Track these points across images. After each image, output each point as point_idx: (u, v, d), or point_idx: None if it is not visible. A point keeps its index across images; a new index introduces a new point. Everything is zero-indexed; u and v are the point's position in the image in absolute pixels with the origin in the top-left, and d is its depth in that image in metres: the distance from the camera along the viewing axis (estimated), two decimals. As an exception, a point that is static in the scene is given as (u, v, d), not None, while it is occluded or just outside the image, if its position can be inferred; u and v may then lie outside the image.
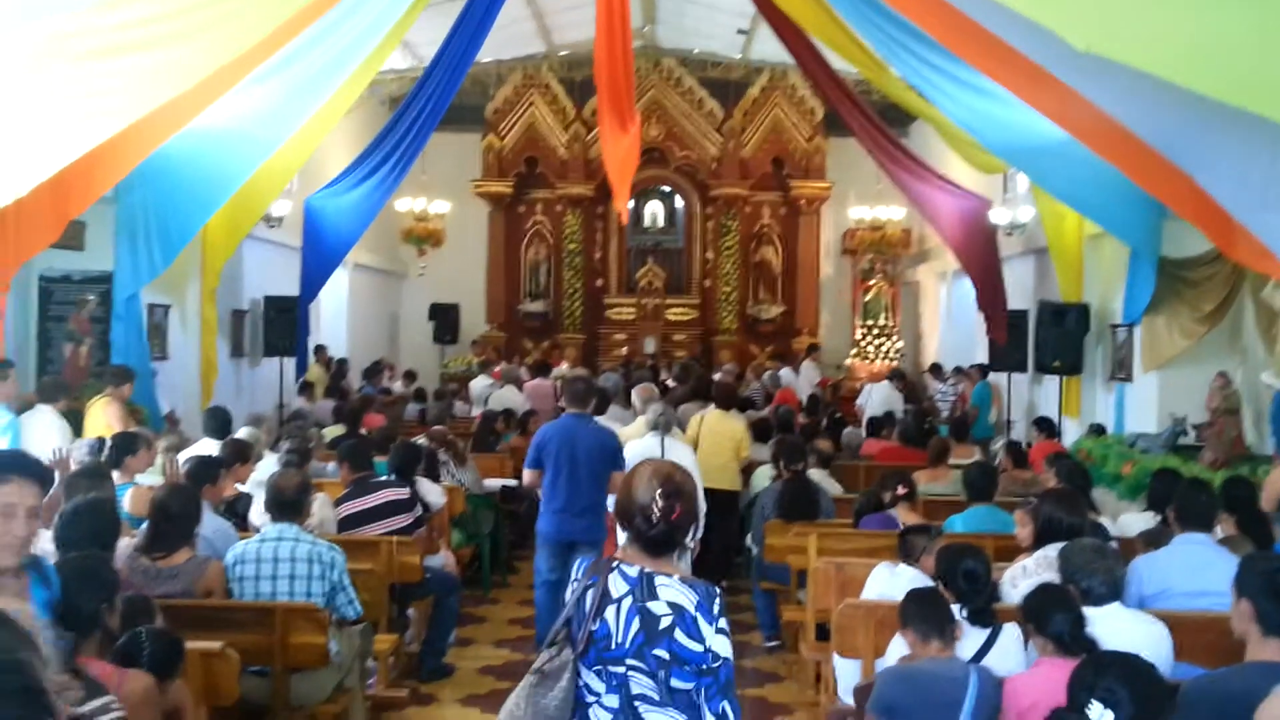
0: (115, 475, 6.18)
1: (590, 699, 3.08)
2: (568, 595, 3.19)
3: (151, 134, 6.41)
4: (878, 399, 14.06)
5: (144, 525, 5.22)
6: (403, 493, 6.92)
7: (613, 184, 12.69)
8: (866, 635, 4.88)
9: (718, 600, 3.06)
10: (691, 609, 3.01)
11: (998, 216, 13.30)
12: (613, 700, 3.05)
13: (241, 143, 8.89)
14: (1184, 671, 3.99)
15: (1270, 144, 5.28)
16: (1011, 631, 4.25)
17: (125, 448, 6.52)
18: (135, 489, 6.21)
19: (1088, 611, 3.92)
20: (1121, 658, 3.16)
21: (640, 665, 3.01)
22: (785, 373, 16.01)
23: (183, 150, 8.21)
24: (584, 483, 6.99)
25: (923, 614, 4.06)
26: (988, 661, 4.12)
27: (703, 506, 6.70)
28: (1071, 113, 6.48)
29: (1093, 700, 2.93)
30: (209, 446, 7.51)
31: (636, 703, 3.03)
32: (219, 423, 7.91)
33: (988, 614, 4.28)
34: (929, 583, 4.73)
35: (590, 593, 3.07)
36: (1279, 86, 4.52)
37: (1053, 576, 4.53)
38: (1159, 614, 4.36)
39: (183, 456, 7.60)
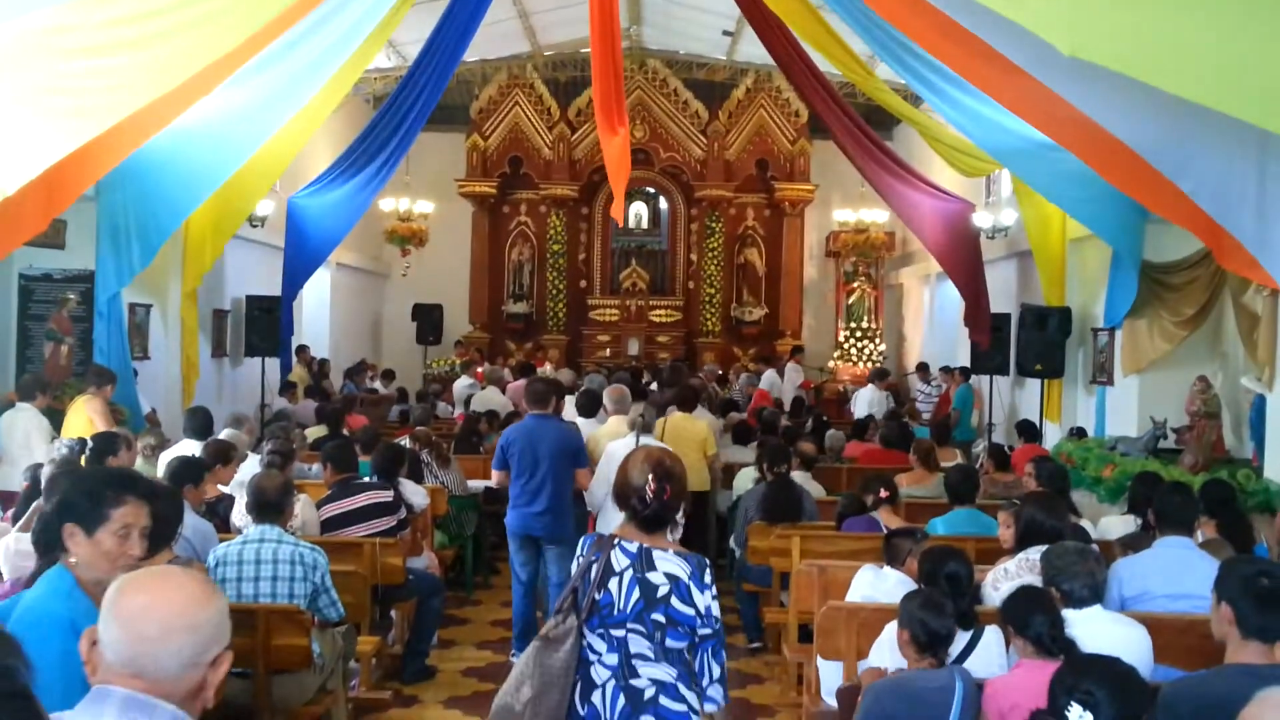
0: (95, 476, 6.15)
1: (593, 658, 3.48)
2: (573, 569, 3.61)
3: (135, 132, 6.36)
4: (864, 402, 14.12)
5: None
6: (386, 494, 6.91)
7: (612, 185, 12.81)
8: (849, 637, 4.89)
9: (708, 569, 3.51)
10: (685, 578, 3.45)
11: (980, 220, 13.35)
12: (612, 659, 3.46)
13: (224, 141, 8.84)
14: (1164, 674, 4.02)
15: (1254, 149, 5.32)
16: (993, 633, 4.26)
17: (106, 448, 6.49)
18: (116, 489, 6.17)
19: (1068, 614, 3.94)
20: (1101, 660, 3.17)
21: (639, 628, 3.44)
22: (769, 375, 16.08)
23: (165, 148, 8.15)
24: (546, 481, 7.17)
25: (925, 626, 4.01)
26: (970, 663, 4.13)
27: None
28: (1055, 117, 6.50)
29: (1072, 703, 2.94)
30: (190, 447, 7.48)
31: (634, 660, 3.44)
32: (201, 423, 7.88)
33: (970, 616, 4.30)
34: (913, 586, 4.75)
35: (594, 567, 3.49)
36: (1264, 91, 4.54)
37: (1034, 579, 4.55)
38: (1139, 616, 4.38)
39: (164, 456, 7.58)
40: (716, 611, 3.48)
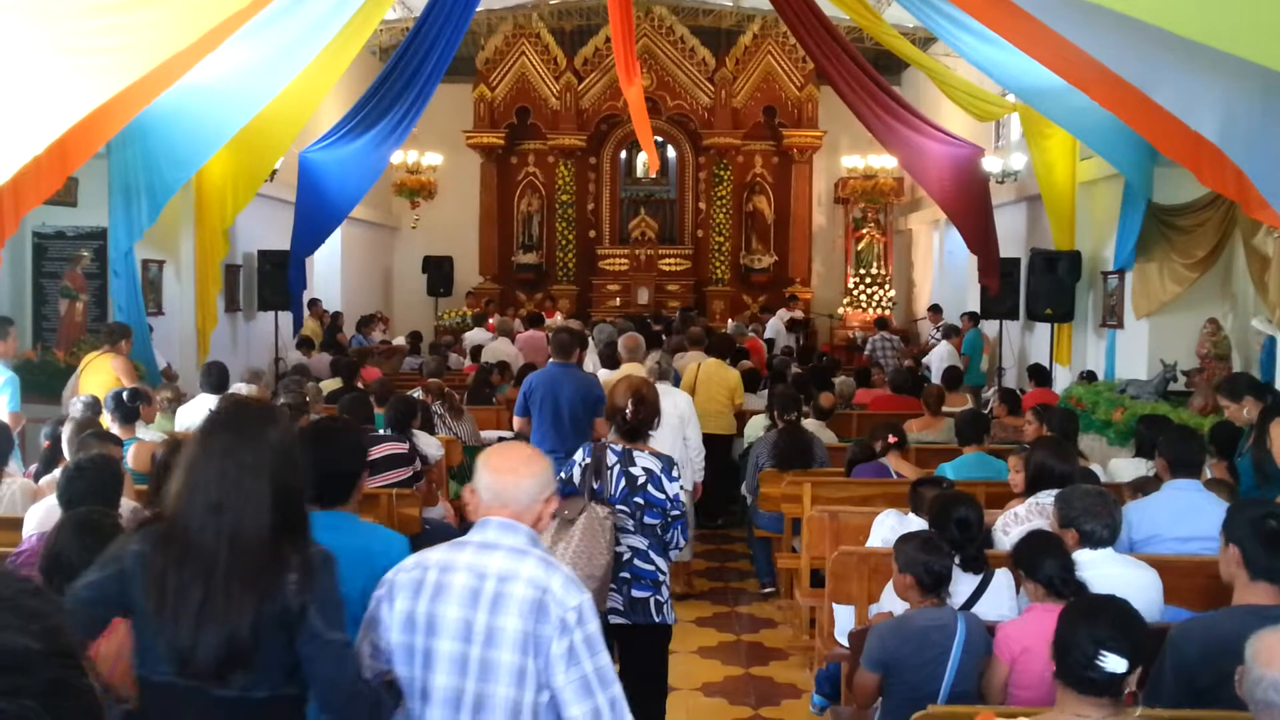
0: (121, 430, 6.24)
1: None
2: (575, 473, 4.75)
3: (147, 89, 6.34)
4: (937, 358, 13.87)
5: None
6: (401, 446, 6.96)
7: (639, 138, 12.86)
8: (861, 582, 4.97)
9: (675, 468, 4.77)
10: (658, 472, 4.69)
11: (990, 164, 13.27)
12: None
13: (234, 97, 8.82)
14: (1173, 614, 4.08)
15: (1258, 89, 5.29)
16: (1003, 577, 4.32)
17: (133, 404, 6.56)
18: (138, 444, 6.26)
19: (1082, 556, 3.99)
20: (1108, 602, 3.21)
21: (624, 509, 4.63)
22: (772, 323, 16.16)
23: (174, 104, 8.15)
24: (567, 427, 7.27)
25: (928, 568, 4.03)
26: (980, 607, 4.20)
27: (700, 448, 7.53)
28: (1066, 59, 6.47)
29: (1104, 653, 2.93)
30: (206, 401, 7.55)
31: (619, 533, 4.57)
32: (217, 378, 7.94)
33: (980, 560, 4.35)
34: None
35: (592, 464, 4.70)
36: (1266, 31, 4.53)
37: (1043, 523, 4.60)
38: (1148, 558, 4.43)
39: (181, 411, 7.66)
40: (683, 498, 4.81)
